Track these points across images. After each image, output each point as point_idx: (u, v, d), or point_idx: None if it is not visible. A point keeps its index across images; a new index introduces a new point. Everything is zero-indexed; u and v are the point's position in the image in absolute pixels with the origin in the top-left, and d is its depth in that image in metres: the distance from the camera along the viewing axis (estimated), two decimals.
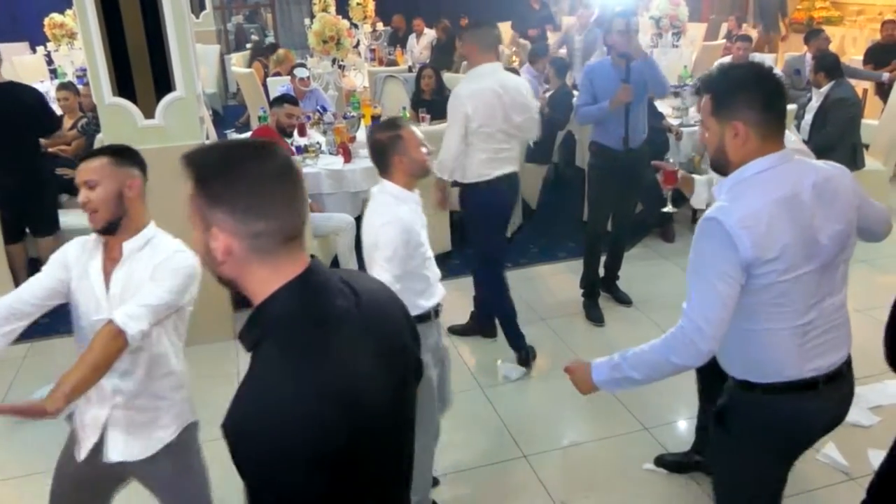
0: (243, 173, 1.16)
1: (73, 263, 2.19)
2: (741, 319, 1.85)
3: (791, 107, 5.39)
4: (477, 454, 3.38)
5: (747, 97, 1.82)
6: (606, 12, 4.54)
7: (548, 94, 6.10)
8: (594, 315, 4.55)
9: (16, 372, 4.15)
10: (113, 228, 2.11)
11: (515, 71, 5.95)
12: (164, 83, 3.82)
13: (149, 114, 3.84)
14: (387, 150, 2.60)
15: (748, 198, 1.79)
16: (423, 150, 2.63)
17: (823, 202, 1.82)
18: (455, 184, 3.96)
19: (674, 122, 5.66)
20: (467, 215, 4.09)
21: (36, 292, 2.18)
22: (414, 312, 2.66)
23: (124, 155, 2.16)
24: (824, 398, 1.92)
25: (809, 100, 5.81)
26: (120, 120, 3.79)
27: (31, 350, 4.37)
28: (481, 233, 4.03)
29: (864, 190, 2.01)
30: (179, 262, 2.11)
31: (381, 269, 2.45)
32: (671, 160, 2.83)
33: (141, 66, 3.77)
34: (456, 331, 4.42)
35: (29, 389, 3.88)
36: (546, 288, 5.05)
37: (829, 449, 3.20)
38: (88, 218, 2.11)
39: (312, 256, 1.25)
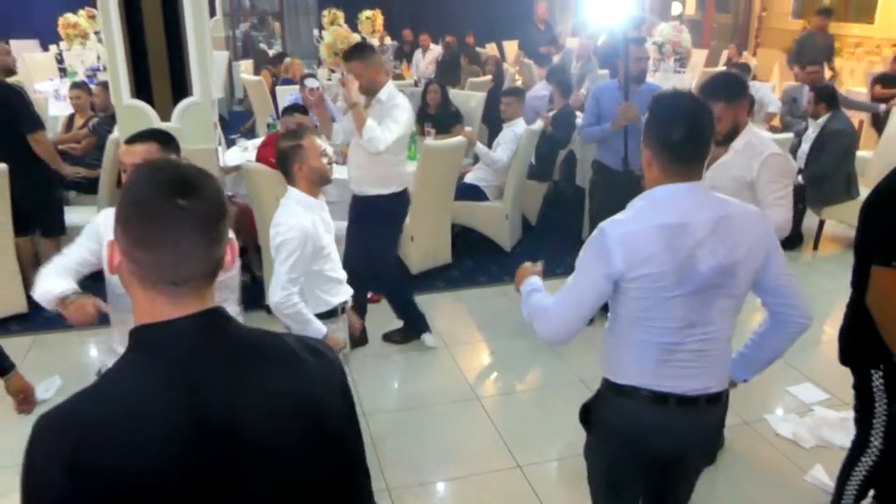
0: (146, 204, 1.09)
1: (104, 234, 2.33)
2: (618, 325, 2.02)
3: (787, 136, 5.52)
4: (472, 463, 3.45)
5: (659, 130, 1.93)
6: (614, 39, 4.66)
7: (551, 114, 6.22)
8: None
9: (20, 364, 4.19)
10: None
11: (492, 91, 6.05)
12: (181, 88, 3.92)
13: (165, 117, 3.93)
14: (288, 158, 2.77)
15: (637, 218, 1.93)
16: (325, 159, 2.80)
17: (717, 235, 1.89)
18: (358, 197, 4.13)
19: None
20: (382, 224, 4.18)
21: (75, 259, 2.36)
22: (321, 309, 2.82)
23: (170, 142, 2.40)
24: (671, 417, 2.00)
25: (806, 129, 5.95)
26: (136, 121, 3.88)
27: (35, 342, 4.43)
28: (389, 240, 4.28)
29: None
30: None
31: (281, 270, 2.68)
32: None
33: (159, 70, 3.87)
34: (394, 339, 4.49)
35: (33, 381, 3.93)
36: None
37: (816, 471, 3.28)
38: None
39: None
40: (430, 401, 3.89)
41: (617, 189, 4.45)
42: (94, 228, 2.40)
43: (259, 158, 4.80)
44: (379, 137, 3.76)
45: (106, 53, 8.64)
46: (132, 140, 2.40)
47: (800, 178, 5.65)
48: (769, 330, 2.12)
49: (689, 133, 1.90)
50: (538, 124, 5.76)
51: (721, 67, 9.62)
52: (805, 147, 5.81)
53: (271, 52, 11.81)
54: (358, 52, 3.92)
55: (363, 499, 1.29)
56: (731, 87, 2.96)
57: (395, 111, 3.85)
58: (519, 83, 8.64)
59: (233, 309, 2.34)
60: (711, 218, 1.90)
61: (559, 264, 5.62)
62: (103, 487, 1.00)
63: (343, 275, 2.98)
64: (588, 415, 2.19)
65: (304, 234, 2.70)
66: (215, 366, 1.10)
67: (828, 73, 8.89)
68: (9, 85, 4.59)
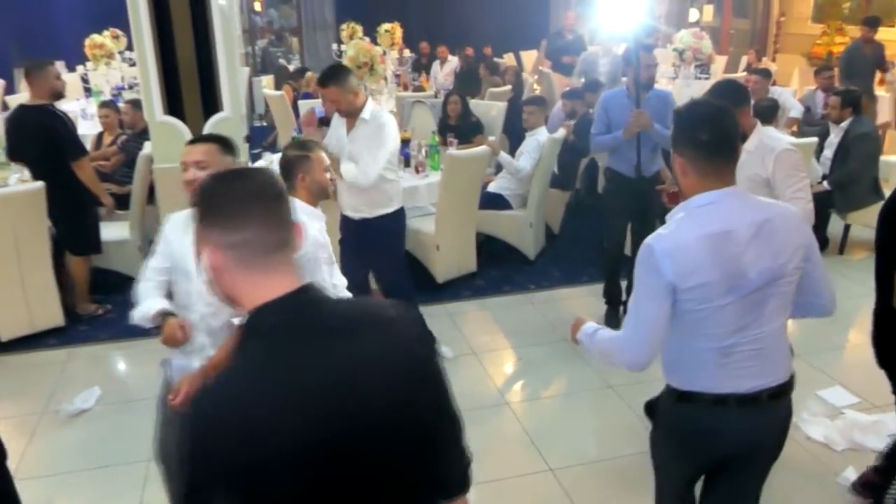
0: (221, 192, 1.29)
1: (171, 239, 2.49)
2: (676, 332, 2.03)
3: (811, 140, 5.52)
4: (502, 467, 3.48)
5: (689, 135, 1.99)
6: (631, 45, 4.70)
7: (572, 122, 6.27)
8: (612, 324, 4.67)
9: (57, 376, 4.31)
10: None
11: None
12: (211, 104, 4.01)
13: (196, 132, 4.02)
14: (293, 167, 2.83)
15: (682, 229, 1.96)
16: (328, 174, 2.89)
17: (760, 239, 1.94)
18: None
19: None
20: (398, 240, 4.21)
21: (155, 272, 2.56)
22: None
23: (228, 145, 2.54)
24: (732, 417, 2.04)
25: (822, 134, 5.94)
26: (169, 137, 3.99)
27: (71, 356, 4.53)
28: (403, 254, 4.33)
29: None
30: None
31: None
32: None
33: (190, 87, 3.97)
34: None
35: (70, 393, 4.04)
36: (568, 309, 5.16)
37: (848, 472, 3.28)
38: (191, 193, 2.40)
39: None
40: (458, 406, 3.93)
41: (629, 196, 4.50)
42: (161, 235, 2.57)
43: None
44: (365, 173, 3.77)
45: (131, 73, 8.83)
46: (194, 140, 2.56)
47: (825, 183, 5.65)
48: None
49: (716, 132, 1.96)
50: (560, 133, 5.81)
51: (741, 73, 9.63)
52: (828, 153, 5.80)
53: (291, 68, 11.98)
54: (334, 77, 3.79)
55: (457, 442, 1.43)
56: (734, 94, 3.07)
57: (382, 131, 3.82)
58: (538, 92, 8.70)
59: None
60: (754, 222, 1.94)
61: (582, 272, 5.67)
62: (251, 470, 1.14)
63: (343, 280, 3.02)
64: (653, 412, 2.28)
65: (315, 244, 2.73)
66: (322, 336, 1.25)
67: (883, 85, 8.60)
68: (54, 111, 4.71)
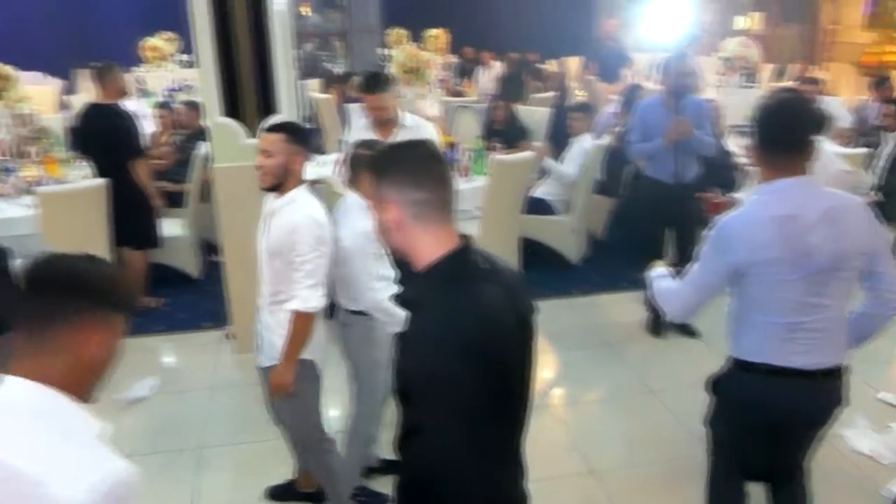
0: (404, 156, 1.57)
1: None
2: (741, 308, 2.27)
3: (862, 150, 5.48)
4: (544, 467, 3.51)
5: (765, 125, 2.20)
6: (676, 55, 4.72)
7: (617, 129, 6.28)
8: (655, 328, 4.70)
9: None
10: (274, 189, 2.70)
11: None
12: (268, 105, 4.14)
13: (253, 133, 4.16)
14: (361, 164, 2.92)
15: (754, 210, 2.19)
16: None
17: (825, 224, 2.12)
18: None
19: (743, 160, 5.77)
20: None
21: None
22: (372, 305, 2.92)
23: (297, 135, 2.73)
24: (786, 388, 2.23)
25: (870, 144, 5.87)
26: (227, 138, 4.12)
27: (131, 346, 4.65)
28: None
29: None
30: (301, 226, 2.63)
31: (362, 272, 2.85)
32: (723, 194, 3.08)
33: (248, 89, 4.10)
34: None
35: (128, 382, 4.20)
36: (609, 314, 5.19)
37: (893, 485, 3.27)
38: (259, 176, 2.68)
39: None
40: None
41: (668, 202, 4.51)
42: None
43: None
44: None
45: (183, 75, 9.06)
46: (267, 129, 2.78)
47: (875, 193, 5.58)
48: (866, 312, 2.30)
49: (788, 125, 2.17)
50: (605, 139, 5.84)
51: (788, 82, 9.53)
52: (881, 163, 5.73)
53: (337, 72, 12.16)
54: (384, 84, 3.79)
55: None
56: None
57: (430, 137, 3.84)
58: (581, 99, 8.72)
59: None
60: (821, 208, 2.13)
61: (623, 278, 5.68)
62: (491, 355, 1.48)
63: (392, 273, 3.07)
64: (715, 386, 2.41)
65: (366, 237, 2.81)
66: (497, 272, 1.58)
67: None
68: (122, 110, 4.92)
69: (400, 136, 3.81)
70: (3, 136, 5.36)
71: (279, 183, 2.67)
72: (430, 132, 3.94)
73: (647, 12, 10.86)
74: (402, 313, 2.88)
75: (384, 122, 3.82)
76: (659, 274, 2.54)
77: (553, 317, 5.10)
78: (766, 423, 2.32)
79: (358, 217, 2.88)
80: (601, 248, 6.29)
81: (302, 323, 2.66)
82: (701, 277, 2.28)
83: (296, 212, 2.64)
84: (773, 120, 2.19)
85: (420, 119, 3.99)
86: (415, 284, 1.58)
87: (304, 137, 2.75)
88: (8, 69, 5.26)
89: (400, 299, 1.63)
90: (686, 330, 4.71)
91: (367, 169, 2.95)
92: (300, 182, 2.73)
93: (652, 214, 4.67)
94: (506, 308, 1.54)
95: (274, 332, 2.76)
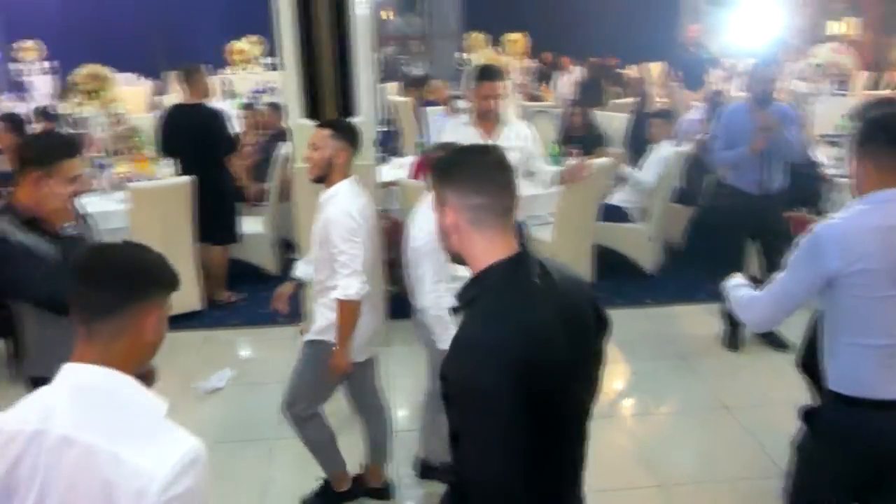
0: (466, 162, 1.56)
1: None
2: (833, 331, 2.13)
3: None
4: (610, 478, 3.48)
5: (872, 132, 2.11)
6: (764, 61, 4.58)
7: (699, 137, 6.14)
8: (732, 342, 4.57)
9: (195, 356, 4.65)
10: (320, 181, 2.90)
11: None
12: (347, 108, 4.23)
13: None
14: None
15: (855, 218, 2.07)
16: None
17: None
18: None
19: (831, 171, 5.54)
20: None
21: None
22: (430, 309, 2.93)
23: (343, 131, 2.89)
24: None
25: None
26: (307, 138, 4.21)
27: (208, 339, 4.87)
28: None
29: None
30: (335, 220, 2.79)
31: (426, 274, 2.87)
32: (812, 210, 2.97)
33: (329, 92, 4.20)
34: None
35: (206, 373, 4.36)
36: (684, 326, 5.07)
37: None
38: (308, 168, 2.93)
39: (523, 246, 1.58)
40: None
41: (751, 213, 4.36)
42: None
43: (415, 176, 5.04)
44: (546, 179, 3.92)
45: (268, 77, 9.33)
46: (317, 125, 3.01)
47: None
48: None
49: None
50: (685, 147, 5.72)
51: (884, 91, 9.10)
52: None
53: (414, 75, 12.29)
54: (499, 73, 3.82)
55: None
56: None
57: (532, 135, 3.88)
58: (663, 105, 8.55)
59: None
60: None
61: (700, 290, 5.54)
62: (535, 373, 1.41)
63: (467, 273, 3.11)
64: (812, 417, 2.24)
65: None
66: (551, 283, 1.53)
67: None
68: (212, 109, 5.13)
69: (503, 134, 3.78)
70: (98, 134, 5.63)
71: (324, 175, 2.88)
72: (528, 133, 3.92)
73: (734, 17, 10.58)
74: (451, 329, 2.94)
75: (491, 115, 3.76)
76: (736, 283, 2.43)
77: (626, 326, 5.01)
78: (874, 463, 2.13)
79: (430, 220, 2.91)
80: (678, 258, 6.15)
81: (346, 310, 2.82)
82: (787, 285, 2.16)
83: (333, 206, 2.83)
84: (881, 128, 2.09)
85: (518, 120, 3.96)
86: (465, 288, 1.55)
87: (350, 134, 2.90)
88: (105, 70, 5.54)
89: (456, 300, 1.60)
90: (774, 341, 4.50)
91: (432, 171, 3.01)
92: (345, 176, 2.90)
93: (735, 225, 4.52)
94: (555, 327, 1.47)
95: (321, 313, 2.98)
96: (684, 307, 5.34)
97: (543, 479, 1.49)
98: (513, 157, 3.69)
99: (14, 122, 5.36)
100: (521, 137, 3.85)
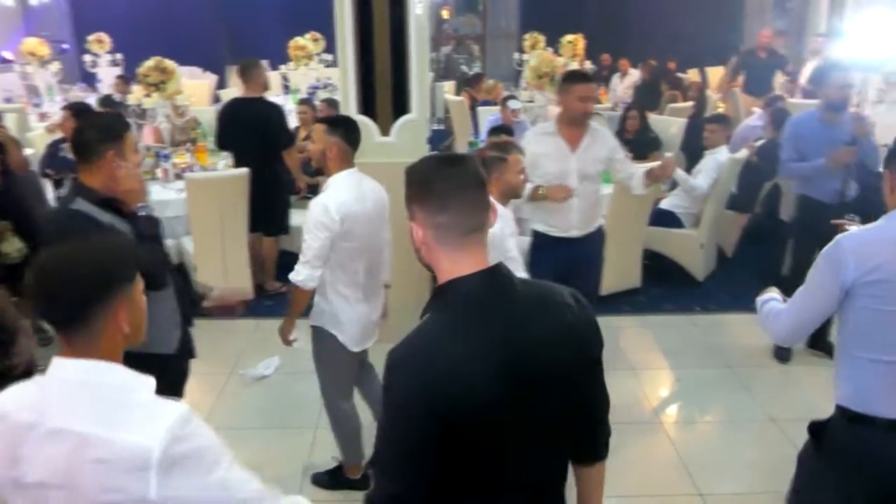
0: (432, 179, 1.47)
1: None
2: (847, 347, 2.10)
3: None
4: (651, 485, 3.45)
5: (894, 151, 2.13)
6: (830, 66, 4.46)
7: (757, 144, 6.02)
8: (782, 354, 4.46)
9: (245, 344, 4.77)
10: (320, 172, 3.16)
11: None
12: (401, 106, 4.28)
13: (385, 132, 4.32)
14: (490, 167, 2.97)
15: (878, 228, 2.07)
16: (521, 176, 3.04)
17: None
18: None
19: None
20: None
21: None
22: None
23: (337, 126, 3.04)
24: None
25: None
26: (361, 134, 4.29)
27: (257, 327, 4.98)
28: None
29: None
30: (311, 209, 2.93)
31: None
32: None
33: (384, 90, 4.26)
34: None
35: (254, 360, 4.47)
36: (734, 336, 4.98)
37: None
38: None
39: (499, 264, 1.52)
40: (610, 419, 3.91)
41: (826, 226, 4.21)
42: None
43: None
44: (637, 181, 3.82)
45: (326, 73, 9.47)
46: (316, 121, 3.25)
47: None
48: None
49: None
50: (742, 153, 5.61)
51: None
52: None
53: (469, 74, 12.33)
54: (588, 76, 3.77)
55: (605, 417, 1.68)
56: None
57: (611, 138, 3.83)
58: (722, 111, 8.40)
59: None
60: None
61: (751, 299, 5.41)
62: (448, 405, 1.35)
63: (523, 275, 3.10)
64: (819, 432, 2.19)
65: (492, 241, 2.87)
66: (507, 308, 1.44)
67: None
68: (270, 102, 5.25)
69: (586, 140, 3.64)
70: (161, 125, 5.82)
71: (320, 166, 3.16)
72: (611, 139, 3.85)
73: (806, 21, 10.28)
74: None
75: (583, 121, 3.61)
76: (768, 297, 2.39)
77: (673, 333, 4.96)
78: (886, 487, 2.06)
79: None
80: (730, 266, 6.04)
81: (295, 292, 3.04)
82: (808, 297, 2.14)
83: (316, 198, 2.99)
84: None
85: (599, 126, 3.87)
86: (428, 301, 1.50)
87: (344, 130, 3.03)
88: (170, 64, 5.71)
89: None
90: (823, 347, 4.31)
91: (496, 171, 3.02)
92: (341, 168, 3.01)
93: (809, 236, 4.36)
94: (487, 359, 1.38)
95: (319, 297, 3.11)
96: (734, 316, 5.24)
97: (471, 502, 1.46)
98: (596, 168, 3.73)
99: (76, 110, 5.59)
100: (606, 145, 3.75)
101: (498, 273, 1.48)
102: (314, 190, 5.93)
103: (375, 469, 1.48)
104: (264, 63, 12.02)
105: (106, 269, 1.38)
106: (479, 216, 1.47)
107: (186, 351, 2.77)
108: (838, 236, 2.09)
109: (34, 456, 1.33)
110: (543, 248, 3.78)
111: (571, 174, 3.60)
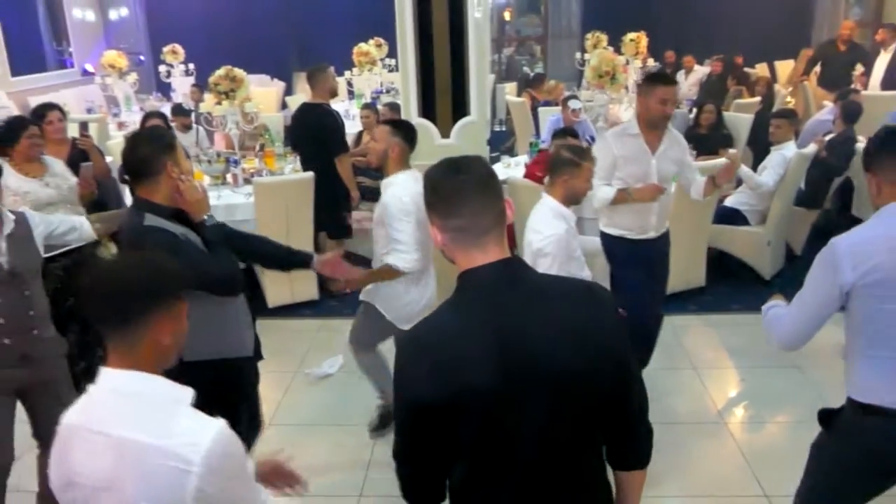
0: (443, 185, 1.53)
1: None
2: (854, 342, 2.11)
3: None
4: (713, 485, 3.42)
5: (881, 156, 2.10)
6: None
7: (827, 138, 5.85)
8: None
9: (309, 343, 4.91)
10: (379, 169, 3.38)
11: None
12: (460, 108, 4.35)
13: (445, 134, 4.39)
14: (562, 166, 3.03)
15: (869, 228, 2.07)
16: (588, 184, 3.09)
17: None
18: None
19: None
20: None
21: None
22: None
23: (400, 129, 3.33)
24: None
25: None
26: (421, 137, 4.36)
27: (321, 327, 5.13)
28: None
29: None
30: (388, 205, 3.20)
31: (552, 271, 2.90)
32: None
33: (443, 93, 4.34)
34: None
35: (318, 359, 4.60)
36: None
37: None
38: (369, 157, 3.46)
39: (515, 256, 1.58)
40: (673, 419, 3.88)
41: None
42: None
43: (528, 175, 5.10)
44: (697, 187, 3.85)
45: (390, 78, 9.61)
46: (381, 122, 3.32)
47: None
48: None
49: None
50: (811, 148, 5.47)
51: None
52: None
53: (529, 75, 12.30)
54: (671, 78, 3.76)
55: (635, 405, 1.58)
56: None
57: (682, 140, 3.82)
58: (791, 105, 8.17)
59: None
60: None
61: None
62: (444, 389, 1.41)
63: (588, 274, 3.18)
64: (830, 419, 2.25)
65: (559, 242, 2.95)
66: (515, 299, 1.47)
67: None
68: (329, 109, 5.40)
69: (666, 141, 3.64)
70: (231, 132, 6.03)
71: (381, 165, 3.32)
72: (683, 141, 3.85)
73: (883, 11, 9.87)
74: None
75: (663, 123, 3.60)
76: (773, 304, 2.39)
77: (740, 332, 4.87)
78: (890, 473, 2.15)
79: (551, 222, 2.99)
80: (799, 264, 5.88)
81: (389, 272, 3.23)
82: (807, 301, 2.13)
83: (389, 192, 3.24)
84: (889, 144, 2.12)
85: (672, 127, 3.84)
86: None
87: (405, 133, 3.31)
88: (239, 72, 5.90)
89: None
90: None
91: (567, 173, 3.04)
92: (402, 167, 3.30)
93: None
94: (488, 342, 1.42)
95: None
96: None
97: (478, 490, 1.51)
98: (672, 170, 3.73)
99: (153, 116, 5.86)
100: (681, 146, 3.76)
101: (510, 264, 1.51)
102: (375, 194, 6.05)
103: (394, 451, 1.58)
104: (330, 69, 12.37)
105: (156, 279, 1.48)
106: (491, 217, 1.49)
107: (256, 353, 2.85)
108: (832, 238, 2.07)
109: (83, 459, 1.42)
110: (625, 252, 3.76)
111: (652, 177, 3.59)
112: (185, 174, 2.45)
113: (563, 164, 3.05)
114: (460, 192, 1.49)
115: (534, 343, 1.43)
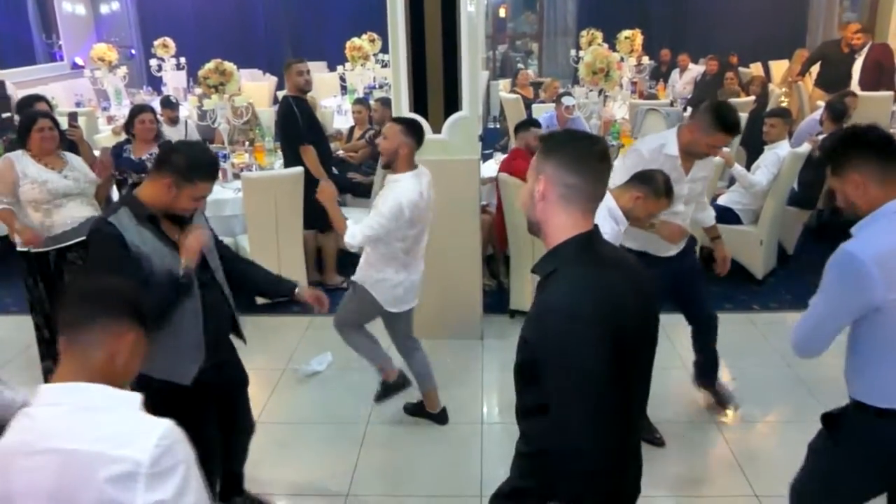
0: (573, 144, 1.64)
1: None
2: (872, 347, 2.03)
3: None
4: (704, 485, 3.40)
5: (857, 148, 2.04)
6: None
7: (820, 137, 5.83)
8: None
9: (298, 340, 4.86)
10: (387, 166, 3.40)
11: None
12: (452, 103, 4.30)
13: (436, 129, 4.34)
14: (647, 183, 3.07)
15: (882, 234, 1.95)
16: (647, 216, 3.14)
17: None
18: None
19: None
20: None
21: None
22: None
23: (411, 128, 3.36)
24: None
25: None
26: None
27: (312, 323, 5.07)
28: None
29: None
30: (389, 200, 3.27)
31: None
32: None
33: (435, 87, 4.28)
34: None
35: (307, 356, 4.55)
36: None
37: None
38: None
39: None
40: (663, 418, 3.84)
41: None
42: None
43: (502, 169, 5.03)
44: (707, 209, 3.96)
45: (382, 73, 9.56)
46: (391, 120, 3.55)
47: None
48: None
49: (883, 137, 2.02)
50: (804, 147, 5.45)
51: None
52: None
53: (530, 73, 12.26)
54: (738, 127, 3.51)
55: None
56: None
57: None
58: (785, 105, 8.16)
59: None
60: None
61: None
62: (611, 335, 1.52)
63: None
64: (835, 423, 2.20)
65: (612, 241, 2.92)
66: (620, 255, 1.74)
67: None
68: (290, 102, 5.33)
69: (698, 164, 3.50)
70: (220, 127, 5.97)
71: (390, 162, 3.36)
72: (711, 159, 3.75)
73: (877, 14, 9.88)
74: None
75: (703, 157, 3.49)
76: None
77: (732, 332, 4.81)
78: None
79: (603, 220, 2.92)
80: (791, 264, 5.87)
81: (342, 229, 3.37)
82: (826, 311, 2.06)
83: (392, 190, 3.32)
84: (873, 132, 2.07)
85: None
86: (544, 260, 1.65)
87: (415, 132, 3.36)
88: (229, 66, 5.84)
89: (536, 272, 1.69)
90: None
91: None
92: (409, 167, 3.36)
93: None
94: (629, 291, 1.60)
95: (362, 261, 3.58)
96: (795, 314, 4.96)
97: (621, 434, 1.60)
98: (699, 190, 3.65)
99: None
100: (710, 165, 3.69)
101: (599, 234, 1.68)
102: (366, 191, 6.01)
103: (553, 429, 1.56)
104: (321, 65, 12.29)
105: (124, 296, 1.57)
106: (603, 188, 1.65)
107: (223, 380, 2.77)
108: (848, 247, 1.98)
109: (26, 479, 1.39)
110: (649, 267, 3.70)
111: (681, 199, 3.45)
112: (184, 199, 2.46)
113: (650, 184, 3.04)
114: (591, 154, 1.61)
115: (644, 289, 1.67)
